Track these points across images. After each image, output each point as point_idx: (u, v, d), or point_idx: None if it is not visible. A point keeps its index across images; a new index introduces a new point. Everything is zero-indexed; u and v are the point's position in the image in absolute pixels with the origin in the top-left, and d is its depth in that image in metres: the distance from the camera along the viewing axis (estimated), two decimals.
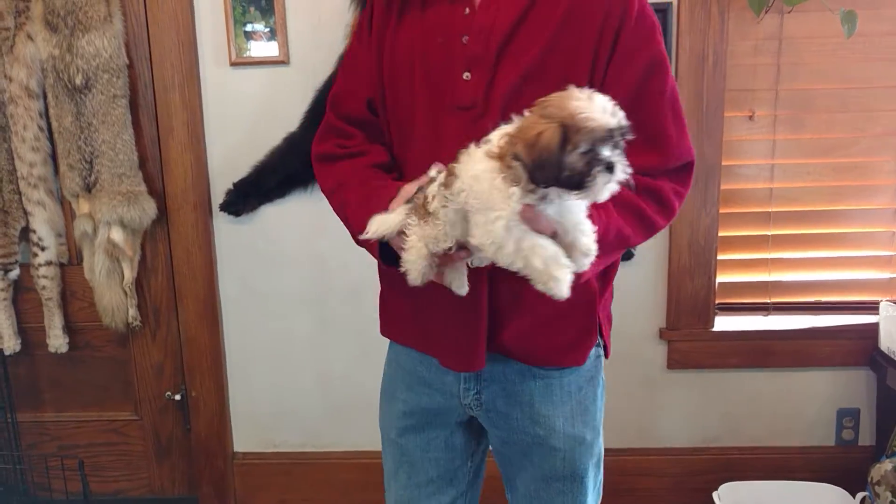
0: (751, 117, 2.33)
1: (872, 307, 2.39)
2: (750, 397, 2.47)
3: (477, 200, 1.01)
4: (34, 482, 2.60)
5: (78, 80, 2.20)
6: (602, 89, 1.15)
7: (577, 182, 0.95)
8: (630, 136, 0.98)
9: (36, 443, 2.61)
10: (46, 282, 2.39)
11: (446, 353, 1.32)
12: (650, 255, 2.37)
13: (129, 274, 2.38)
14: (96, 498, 2.54)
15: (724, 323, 2.43)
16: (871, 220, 2.41)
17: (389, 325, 1.45)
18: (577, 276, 1.07)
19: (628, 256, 2.36)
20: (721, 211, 2.35)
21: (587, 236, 1.03)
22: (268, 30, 2.28)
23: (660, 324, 2.43)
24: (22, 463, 2.56)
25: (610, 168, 0.95)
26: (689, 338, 2.42)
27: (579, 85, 1.13)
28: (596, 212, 1.11)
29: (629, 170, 0.98)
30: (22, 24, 2.23)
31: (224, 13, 2.28)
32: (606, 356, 1.40)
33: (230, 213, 2.39)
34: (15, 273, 2.42)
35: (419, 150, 1.26)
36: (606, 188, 0.97)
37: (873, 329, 2.36)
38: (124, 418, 2.62)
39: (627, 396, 2.47)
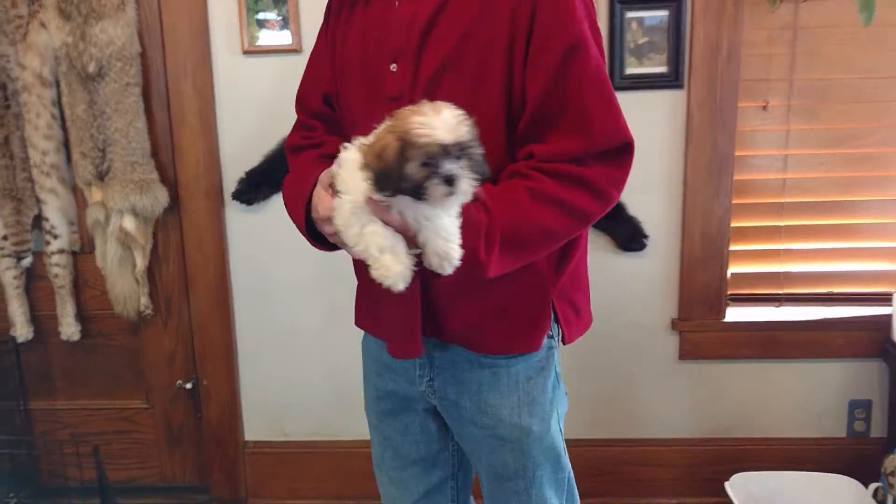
0: (764, 107, 2.31)
1: (885, 298, 2.38)
2: (761, 388, 2.46)
3: (339, 183, 1.12)
4: (48, 470, 2.62)
5: (91, 68, 2.20)
6: (524, 75, 1.19)
7: (415, 191, 1.01)
8: (478, 150, 1.04)
9: (48, 430, 2.62)
10: (59, 270, 2.39)
11: (390, 339, 1.37)
12: (662, 246, 2.37)
13: (141, 262, 2.38)
14: (108, 485, 2.54)
15: (735, 314, 2.42)
16: (886, 211, 2.39)
17: (358, 314, 1.53)
18: (473, 272, 1.12)
19: (640, 247, 2.36)
20: (734, 201, 2.34)
21: (445, 240, 1.07)
22: (280, 18, 2.28)
23: (672, 314, 2.42)
24: (35, 449, 2.57)
25: (449, 181, 1.00)
26: (701, 328, 2.42)
27: (498, 72, 1.18)
28: (504, 208, 1.14)
29: (475, 182, 1.04)
30: (35, 12, 2.23)
31: (237, 1, 2.27)
32: (565, 342, 1.37)
33: (242, 201, 2.39)
34: (28, 261, 2.43)
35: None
36: (451, 199, 1.04)
37: (886, 320, 2.35)
38: (136, 406, 2.63)
39: (639, 387, 2.47)
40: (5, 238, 2.36)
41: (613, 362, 2.46)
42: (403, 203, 1.06)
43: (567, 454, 1.44)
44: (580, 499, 2.26)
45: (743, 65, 2.25)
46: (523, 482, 1.38)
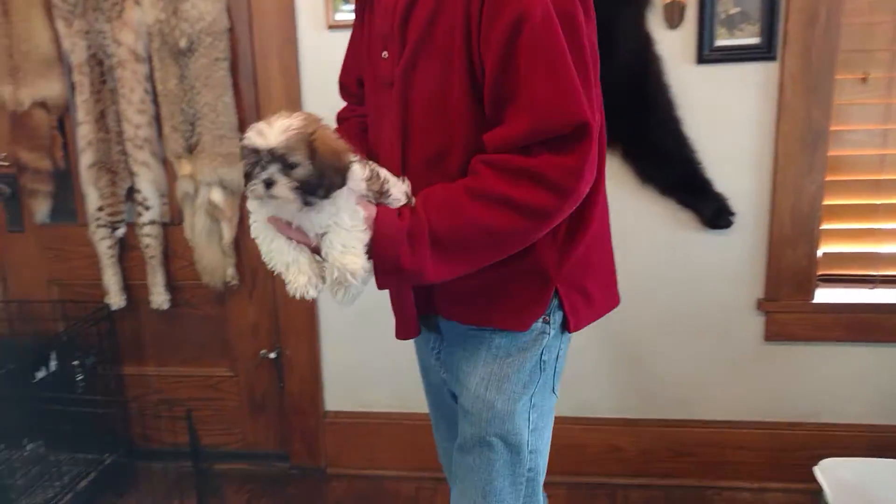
0: (864, 79, 2.21)
1: None
2: (851, 372, 2.37)
3: (248, 205, 1.18)
4: (139, 433, 2.72)
5: (182, 44, 2.26)
6: (480, 53, 1.14)
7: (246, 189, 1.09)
8: (302, 160, 1.05)
9: (139, 395, 2.73)
10: (150, 240, 2.48)
11: (396, 321, 1.40)
12: (749, 223, 2.30)
13: (228, 234, 2.44)
14: (200, 449, 2.63)
15: (826, 295, 2.34)
16: None
17: None
18: (408, 279, 1.15)
19: (726, 224, 2.29)
20: (827, 178, 2.25)
21: (340, 252, 1.10)
22: None
23: (757, 294, 2.35)
24: (129, 412, 2.68)
25: (267, 184, 1.05)
26: (789, 309, 2.34)
27: (459, 52, 1.15)
28: (438, 211, 1.13)
29: (296, 190, 1.05)
30: None
31: None
32: (570, 329, 1.32)
33: None
34: (121, 231, 2.51)
35: (370, 125, 1.36)
36: (273, 202, 1.06)
37: None
38: (221, 374, 2.71)
39: (723, 367, 2.42)
40: (101, 209, 2.45)
41: (697, 342, 2.41)
42: (301, 217, 1.10)
43: (538, 456, 1.37)
44: (662, 479, 2.23)
45: (842, 35, 2.15)
46: (478, 459, 1.34)
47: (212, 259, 2.47)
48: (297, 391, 2.63)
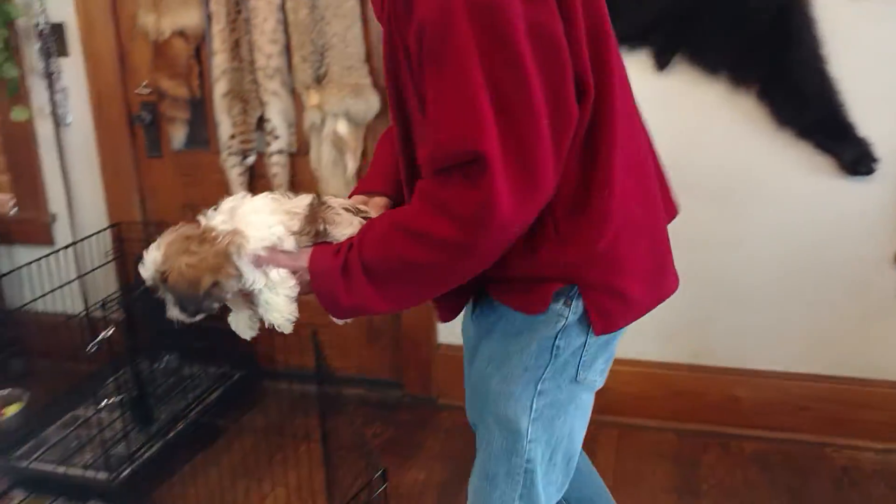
0: None
1: None
2: None
3: None
4: (268, 354, 2.85)
5: None
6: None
7: None
8: (160, 293, 1.13)
9: None
10: (278, 169, 2.56)
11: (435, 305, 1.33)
12: (893, 171, 2.16)
13: (352, 165, 2.49)
14: (326, 369, 2.74)
15: None
16: None
17: None
18: (353, 314, 1.18)
19: (868, 171, 2.17)
20: None
21: (265, 310, 1.17)
22: None
23: (895, 248, 2.22)
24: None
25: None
26: None
27: (396, 55, 1.08)
28: (371, 240, 1.09)
29: (182, 316, 1.15)
30: None
31: None
32: (596, 333, 1.17)
33: None
34: (251, 159, 2.59)
35: None
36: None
37: None
38: None
39: (852, 322, 2.31)
40: (233, 137, 2.54)
41: (826, 294, 2.31)
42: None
43: (537, 447, 1.23)
44: (778, 433, 2.14)
45: None
46: (481, 438, 1.29)
47: (336, 190, 2.53)
48: (412, 322, 2.70)
